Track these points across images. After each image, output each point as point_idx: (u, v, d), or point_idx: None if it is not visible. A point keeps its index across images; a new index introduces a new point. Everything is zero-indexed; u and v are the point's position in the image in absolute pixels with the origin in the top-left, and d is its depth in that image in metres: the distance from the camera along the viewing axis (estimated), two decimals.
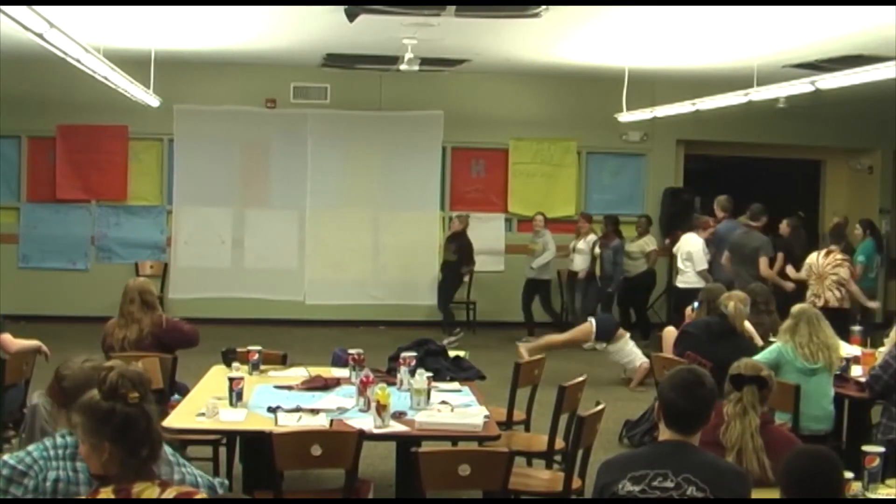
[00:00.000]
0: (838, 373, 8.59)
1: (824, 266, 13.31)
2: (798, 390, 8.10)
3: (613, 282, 16.47)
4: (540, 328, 16.57)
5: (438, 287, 16.96)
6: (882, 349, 9.14)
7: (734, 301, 9.42)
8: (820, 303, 12.71)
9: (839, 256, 13.42)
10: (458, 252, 16.69)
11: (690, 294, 12.69)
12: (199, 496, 3.98)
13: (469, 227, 17.00)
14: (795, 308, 8.65)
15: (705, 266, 14.90)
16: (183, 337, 9.06)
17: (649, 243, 17.02)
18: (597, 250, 16.51)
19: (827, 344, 8.35)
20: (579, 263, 16.77)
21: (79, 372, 4.69)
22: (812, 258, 13.60)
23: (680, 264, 15.31)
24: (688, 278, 14.96)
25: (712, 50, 13.72)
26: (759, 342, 9.52)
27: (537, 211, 17.28)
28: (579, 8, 11.31)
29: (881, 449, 5.50)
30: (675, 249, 15.83)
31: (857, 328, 10.76)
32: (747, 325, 9.53)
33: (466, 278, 17.28)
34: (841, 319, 11.54)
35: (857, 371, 8.97)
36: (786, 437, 5.77)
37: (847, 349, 9.48)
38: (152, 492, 3.78)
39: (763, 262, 14.05)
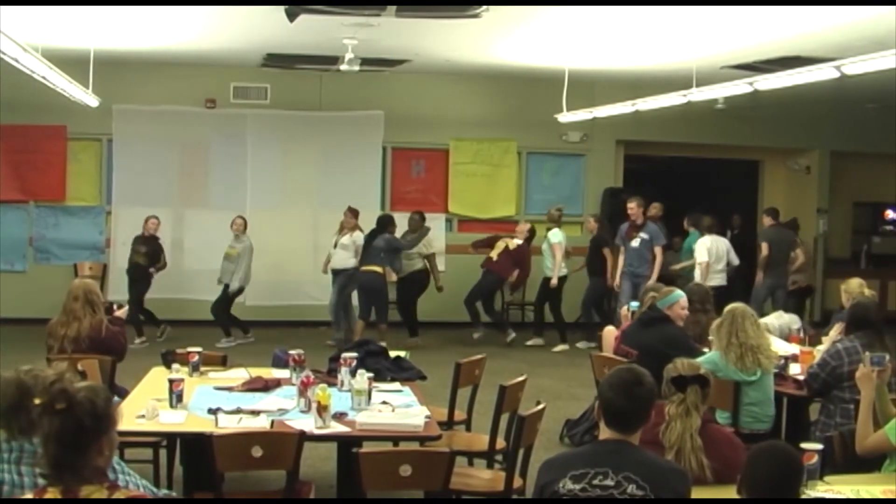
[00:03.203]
0: (776, 371, 8.64)
1: None
2: (738, 388, 8.17)
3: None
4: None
5: (130, 289, 16.36)
6: (820, 347, 9.24)
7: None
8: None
9: None
10: (149, 255, 16.33)
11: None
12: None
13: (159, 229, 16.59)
14: (727, 307, 8.68)
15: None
16: (116, 348, 8.99)
17: (428, 246, 16.84)
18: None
19: (751, 345, 8.32)
20: (342, 260, 16.24)
21: (6, 389, 4.65)
22: None
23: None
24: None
25: (652, 51, 13.80)
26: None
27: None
28: (519, 8, 11.35)
29: (819, 446, 5.54)
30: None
31: (796, 326, 10.86)
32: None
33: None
34: None
35: (795, 369, 9.03)
36: (725, 437, 5.80)
37: (786, 348, 9.57)
38: (100, 494, 3.75)
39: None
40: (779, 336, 11.25)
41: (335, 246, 16.27)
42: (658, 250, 15.96)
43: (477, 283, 16.98)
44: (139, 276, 16.28)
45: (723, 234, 16.69)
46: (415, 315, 16.83)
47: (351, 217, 16.27)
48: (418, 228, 16.70)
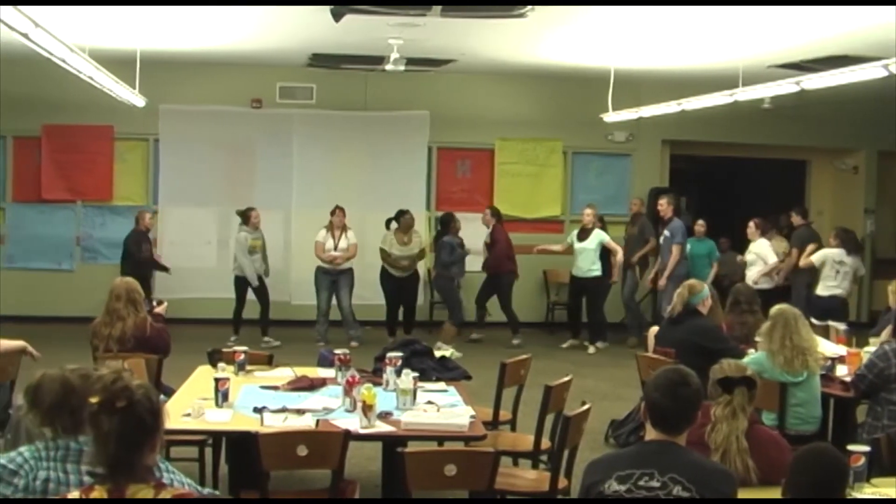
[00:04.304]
0: (823, 372, 8.60)
1: None
2: (784, 389, 8.12)
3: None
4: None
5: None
6: (868, 349, 9.17)
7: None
8: None
9: None
10: (151, 252, 16.48)
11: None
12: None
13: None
14: (774, 309, 8.62)
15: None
16: (161, 345, 9.06)
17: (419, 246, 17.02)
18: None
19: (802, 348, 8.28)
20: (346, 260, 16.35)
21: (50, 387, 4.67)
22: None
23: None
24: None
25: (698, 50, 13.74)
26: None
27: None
28: (565, 8, 11.33)
29: (866, 448, 5.50)
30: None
31: (842, 327, 10.80)
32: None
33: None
34: None
35: (842, 371, 8.98)
36: (771, 438, 5.77)
37: (833, 349, 9.52)
38: (147, 493, 3.76)
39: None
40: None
41: (335, 249, 16.26)
42: (675, 248, 15.89)
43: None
44: (150, 273, 16.35)
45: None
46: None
47: (342, 216, 16.32)
48: (409, 228, 16.69)
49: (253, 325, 15.99)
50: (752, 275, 15.28)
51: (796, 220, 16.49)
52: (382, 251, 16.56)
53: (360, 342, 15.38)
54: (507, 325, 16.66)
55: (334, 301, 16.33)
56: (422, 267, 17.18)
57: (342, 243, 16.19)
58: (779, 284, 15.67)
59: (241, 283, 16.16)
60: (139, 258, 15.92)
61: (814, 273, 14.93)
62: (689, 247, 15.99)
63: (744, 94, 12.84)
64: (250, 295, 16.13)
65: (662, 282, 15.42)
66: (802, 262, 14.97)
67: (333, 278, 16.26)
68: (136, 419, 3.83)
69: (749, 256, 15.67)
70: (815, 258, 14.54)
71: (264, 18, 12.68)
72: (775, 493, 4.78)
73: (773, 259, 15.43)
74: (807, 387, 8.25)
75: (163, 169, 17.86)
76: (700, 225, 16.64)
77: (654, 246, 17.04)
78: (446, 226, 16.52)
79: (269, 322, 16.13)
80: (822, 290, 14.46)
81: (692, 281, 10.08)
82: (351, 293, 16.39)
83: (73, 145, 17.56)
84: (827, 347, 9.41)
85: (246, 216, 16.15)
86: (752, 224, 15.74)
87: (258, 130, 18.09)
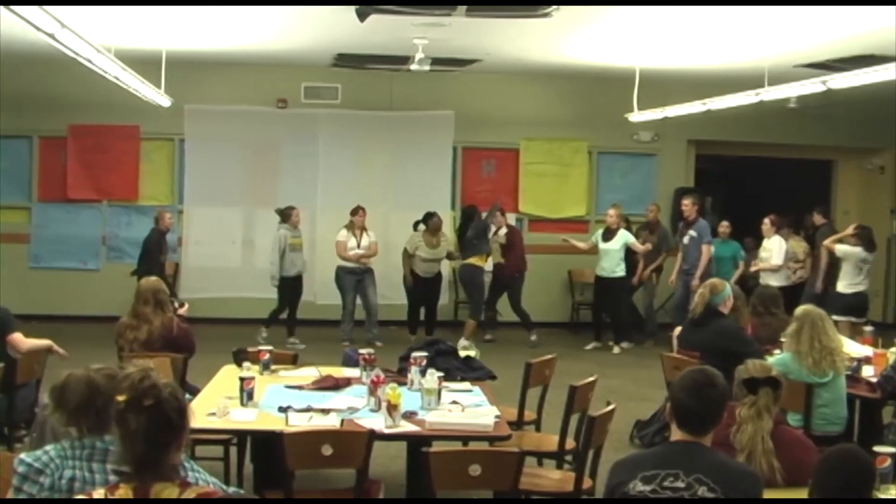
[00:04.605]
0: (849, 373, 8.56)
1: None
2: (810, 389, 8.09)
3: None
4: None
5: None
6: (894, 350, 9.14)
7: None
8: None
9: None
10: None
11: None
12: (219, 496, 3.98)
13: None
14: (799, 310, 8.58)
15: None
16: (187, 345, 9.09)
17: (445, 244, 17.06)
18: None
19: (830, 349, 8.24)
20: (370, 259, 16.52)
21: (75, 387, 4.68)
22: None
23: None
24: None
25: (723, 50, 13.70)
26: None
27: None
28: (590, 8, 11.31)
29: (892, 449, 5.47)
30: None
31: (868, 328, 10.76)
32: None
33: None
34: None
35: (868, 371, 8.94)
36: (796, 438, 5.76)
37: (859, 349, 9.47)
38: (172, 492, 3.77)
39: None
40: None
41: (358, 247, 16.25)
42: (704, 248, 15.85)
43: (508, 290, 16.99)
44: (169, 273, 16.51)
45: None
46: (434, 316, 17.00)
47: (363, 216, 16.33)
48: (438, 230, 16.69)
49: (279, 324, 16.01)
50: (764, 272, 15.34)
51: (818, 219, 16.46)
52: (405, 251, 16.59)
53: (379, 341, 15.38)
54: (520, 325, 16.66)
55: (359, 301, 16.37)
56: (445, 267, 17.16)
57: (364, 242, 16.22)
58: (796, 283, 15.72)
59: (284, 284, 16.15)
60: (159, 259, 15.94)
61: (836, 273, 14.85)
62: (712, 248, 15.94)
63: (769, 93, 12.82)
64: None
65: (695, 282, 15.34)
66: (827, 243, 14.86)
67: (359, 277, 16.29)
68: (163, 418, 3.83)
69: (764, 254, 15.66)
70: (839, 251, 14.47)
71: (289, 18, 12.69)
72: (801, 494, 4.77)
73: (776, 261, 15.39)
74: (832, 387, 8.21)
75: (188, 169, 17.91)
76: (724, 227, 16.64)
77: (665, 259, 17.15)
78: (469, 218, 16.52)
79: (297, 322, 16.14)
80: (844, 287, 14.38)
81: (714, 280, 10.04)
82: (376, 291, 16.41)
83: (99, 145, 17.63)
84: (853, 348, 9.36)
85: (286, 215, 16.16)
86: (767, 221, 15.71)
87: (283, 130, 18.13)
